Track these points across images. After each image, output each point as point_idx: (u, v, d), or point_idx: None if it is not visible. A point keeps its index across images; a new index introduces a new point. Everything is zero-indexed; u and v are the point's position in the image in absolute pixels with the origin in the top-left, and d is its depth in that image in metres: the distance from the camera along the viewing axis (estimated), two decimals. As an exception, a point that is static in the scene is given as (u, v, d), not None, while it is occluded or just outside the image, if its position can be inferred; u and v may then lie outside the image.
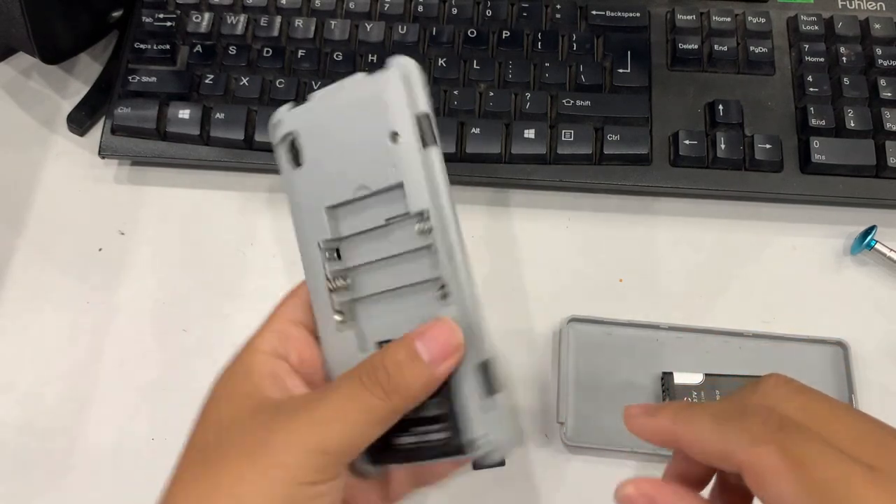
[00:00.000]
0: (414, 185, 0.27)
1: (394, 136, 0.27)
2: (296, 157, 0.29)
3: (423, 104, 0.27)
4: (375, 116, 0.27)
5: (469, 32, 0.48)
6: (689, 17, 0.49)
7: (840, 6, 0.50)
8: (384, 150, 0.27)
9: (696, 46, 0.48)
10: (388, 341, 0.28)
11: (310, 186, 0.29)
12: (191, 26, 0.49)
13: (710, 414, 0.24)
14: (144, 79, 0.47)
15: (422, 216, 0.27)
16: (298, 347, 0.30)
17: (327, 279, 0.29)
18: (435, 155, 0.27)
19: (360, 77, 0.28)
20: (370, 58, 0.48)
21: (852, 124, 0.45)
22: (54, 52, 0.48)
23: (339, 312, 0.30)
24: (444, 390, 0.27)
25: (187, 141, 0.46)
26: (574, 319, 0.42)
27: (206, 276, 0.45)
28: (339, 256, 0.30)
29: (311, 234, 0.30)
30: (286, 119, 0.30)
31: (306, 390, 0.29)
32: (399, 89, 0.27)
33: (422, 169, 0.27)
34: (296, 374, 0.29)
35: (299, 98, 0.47)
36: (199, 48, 0.48)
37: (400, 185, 0.27)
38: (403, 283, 0.28)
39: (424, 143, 0.27)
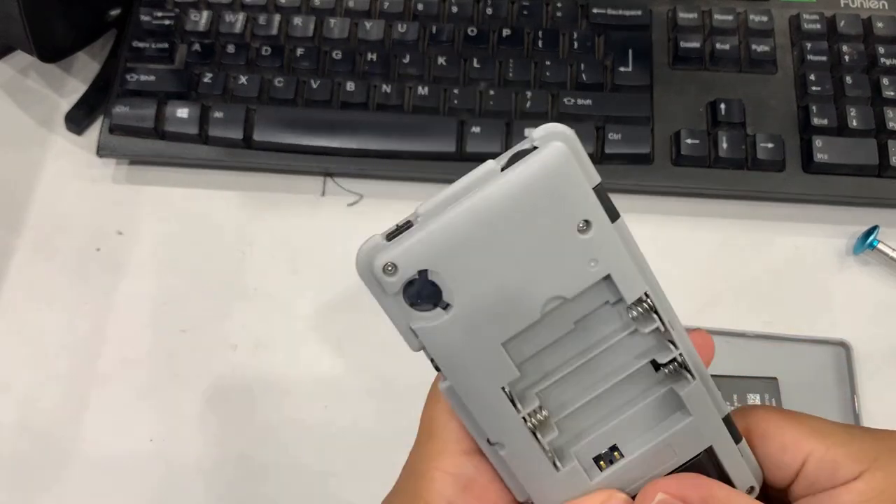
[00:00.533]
0: (625, 272, 0.23)
1: (585, 225, 0.22)
2: (431, 300, 0.22)
3: (594, 172, 0.23)
4: (552, 210, 0.22)
5: (469, 31, 0.48)
6: (691, 16, 0.48)
7: (842, 5, 0.49)
8: (576, 246, 0.22)
9: (697, 45, 0.47)
10: (603, 456, 0.25)
11: (468, 326, 0.22)
12: (189, 25, 0.49)
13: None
14: (143, 77, 0.47)
15: (640, 300, 0.24)
16: (482, 496, 0.23)
17: (528, 424, 0.24)
18: (624, 225, 0.23)
19: (492, 167, 0.22)
20: (370, 56, 0.47)
21: (855, 123, 0.45)
22: (52, 51, 0.48)
23: (555, 453, 0.24)
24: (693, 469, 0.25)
25: (186, 140, 0.46)
26: (575, 320, 0.42)
27: (205, 276, 0.44)
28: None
29: (486, 384, 0.23)
30: (400, 258, 0.22)
31: None
32: (575, 168, 0.22)
33: (627, 251, 0.23)
34: None
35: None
36: (197, 47, 0.48)
37: (603, 280, 0.23)
38: (613, 381, 0.24)
39: (612, 218, 0.23)
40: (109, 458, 0.40)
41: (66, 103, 0.50)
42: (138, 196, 0.47)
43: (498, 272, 0.22)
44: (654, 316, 0.24)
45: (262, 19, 0.48)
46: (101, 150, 0.47)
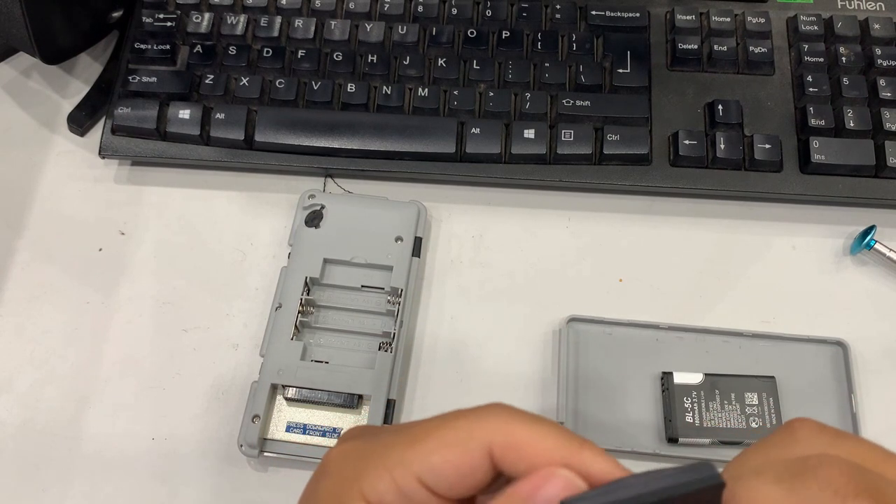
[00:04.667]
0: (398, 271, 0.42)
1: (398, 239, 0.43)
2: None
3: (420, 232, 0.44)
4: (389, 224, 0.43)
5: (469, 32, 0.48)
6: (689, 18, 0.49)
7: (839, 6, 0.50)
8: (389, 245, 0.43)
9: (695, 46, 0.48)
10: (325, 361, 0.40)
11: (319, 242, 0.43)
12: (191, 26, 0.49)
13: (773, 478, 0.21)
14: (144, 79, 0.47)
15: (396, 292, 0.41)
16: None
17: (300, 300, 0.41)
18: (415, 262, 0.43)
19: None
20: (370, 58, 0.48)
21: (852, 124, 0.45)
22: (55, 53, 0.48)
23: (296, 329, 0.41)
24: None
25: (187, 141, 0.46)
26: (574, 319, 0.42)
27: (206, 275, 0.45)
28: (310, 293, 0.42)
29: (302, 273, 0.42)
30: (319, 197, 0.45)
31: None
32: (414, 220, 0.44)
33: (408, 264, 0.42)
34: None
35: (299, 98, 0.47)
36: (199, 48, 0.48)
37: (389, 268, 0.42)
38: (355, 329, 0.41)
39: (415, 253, 0.43)
40: (111, 457, 0.40)
41: (69, 104, 0.50)
42: (140, 196, 0.47)
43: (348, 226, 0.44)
44: (395, 306, 0.41)
45: (263, 21, 0.49)
46: (104, 151, 0.47)
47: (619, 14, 0.49)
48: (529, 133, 0.45)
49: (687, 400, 0.39)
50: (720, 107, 0.46)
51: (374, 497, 0.22)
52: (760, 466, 0.22)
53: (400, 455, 0.23)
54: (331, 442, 0.39)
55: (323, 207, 0.44)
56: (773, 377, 0.40)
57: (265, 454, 0.39)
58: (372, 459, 0.23)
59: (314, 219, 0.44)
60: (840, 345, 0.42)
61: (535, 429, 0.23)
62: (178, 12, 0.49)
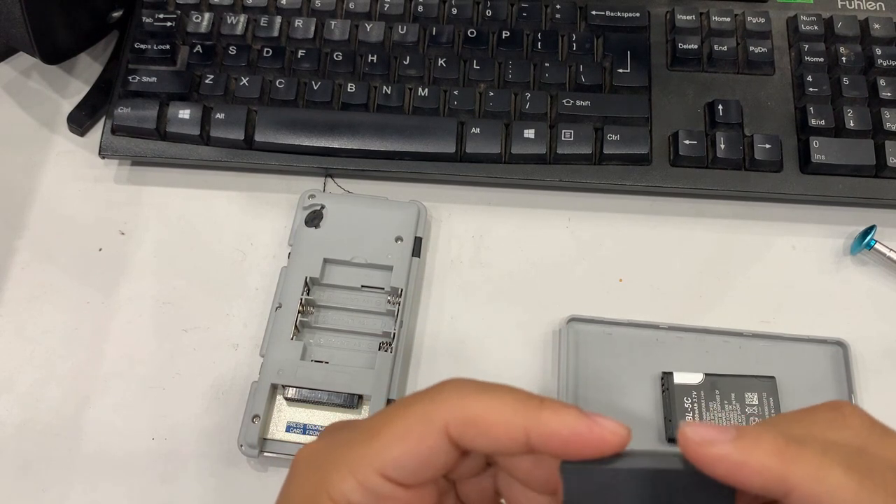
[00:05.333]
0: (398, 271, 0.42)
1: (398, 239, 0.43)
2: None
3: (420, 232, 0.44)
4: (389, 224, 0.44)
5: (469, 32, 0.48)
6: (689, 17, 0.49)
7: (840, 6, 0.50)
8: (389, 245, 0.43)
9: (695, 46, 0.48)
10: (324, 361, 0.40)
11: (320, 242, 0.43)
12: (191, 26, 0.49)
13: (843, 466, 0.20)
14: (144, 79, 0.47)
15: (396, 292, 0.41)
16: None
17: (300, 300, 0.41)
18: (415, 262, 0.43)
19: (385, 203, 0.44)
20: (370, 58, 0.48)
21: (852, 124, 0.45)
22: (54, 53, 0.48)
23: (296, 329, 0.41)
24: None
25: (187, 141, 0.46)
26: (574, 319, 0.42)
27: (206, 276, 0.45)
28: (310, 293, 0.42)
29: (302, 272, 0.42)
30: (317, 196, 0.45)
31: None
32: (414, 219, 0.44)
33: (408, 264, 0.42)
34: None
35: (298, 98, 0.47)
36: (199, 48, 0.48)
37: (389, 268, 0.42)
38: (355, 329, 0.41)
39: (415, 253, 0.43)
40: (111, 457, 0.40)
41: (69, 104, 0.50)
42: (140, 196, 0.47)
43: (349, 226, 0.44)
44: (395, 305, 0.41)
45: (263, 21, 0.49)
46: (103, 151, 0.47)
47: (619, 14, 0.49)
48: (529, 133, 0.45)
49: (687, 400, 0.39)
50: (720, 107, 0.46)
51: (341, 500, 0.22)
52: (823, 447, 0.20)
53: (359, 453, 0.22)
54: None
55: (323, 207, 0.44)
56: (773, 377, 0.40)
57: (265, 454, 0.39)
58: (334, 460, 0.23)
59: (314, 219, 0.43)
60: (840, 345, 0.42)
61: (490, 399, 0.22)
62: (178, 12, 0.49)
